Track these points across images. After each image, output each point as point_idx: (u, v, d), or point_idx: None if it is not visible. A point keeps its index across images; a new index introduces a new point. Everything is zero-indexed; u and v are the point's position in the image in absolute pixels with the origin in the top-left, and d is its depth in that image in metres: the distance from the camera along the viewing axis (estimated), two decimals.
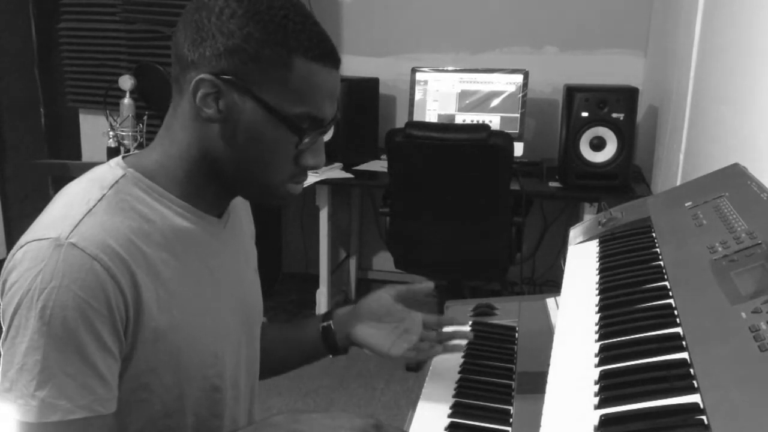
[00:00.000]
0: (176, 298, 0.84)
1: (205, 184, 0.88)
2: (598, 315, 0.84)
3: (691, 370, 0.65)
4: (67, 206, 0.80)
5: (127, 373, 0.81)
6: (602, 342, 0.77)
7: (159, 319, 0.81)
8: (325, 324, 1.11)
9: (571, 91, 2.70)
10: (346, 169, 3.00)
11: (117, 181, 0.83)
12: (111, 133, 2.80)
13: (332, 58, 0.84)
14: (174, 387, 0.85)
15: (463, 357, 1.16)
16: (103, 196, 0.81)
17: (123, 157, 0.88)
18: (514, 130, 3.02)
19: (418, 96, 3.21)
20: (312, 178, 2.80)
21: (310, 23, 0.82)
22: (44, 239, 0.76)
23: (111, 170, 0.85)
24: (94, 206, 0.79)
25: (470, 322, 1.30)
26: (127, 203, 0.82)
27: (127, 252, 0.78)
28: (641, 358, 0.71)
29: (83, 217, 0.78)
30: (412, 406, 1.02)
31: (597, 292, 0.92)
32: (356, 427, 0.82)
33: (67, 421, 0.74)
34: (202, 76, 0.80)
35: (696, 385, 0.63)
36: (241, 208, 1.03)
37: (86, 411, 0.75)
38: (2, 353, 0.76)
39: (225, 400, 0.94)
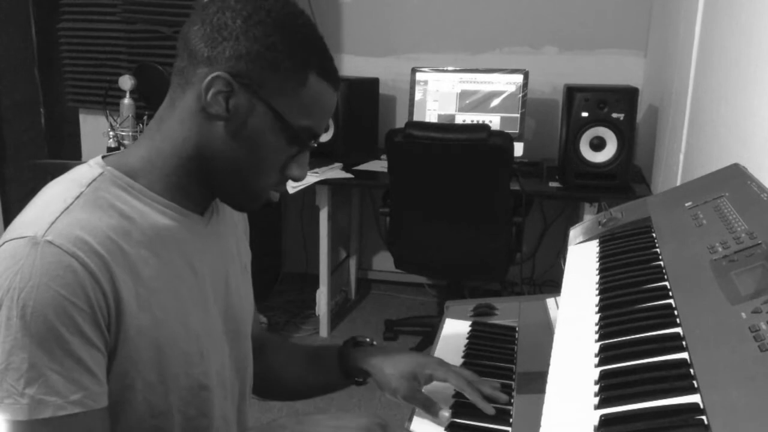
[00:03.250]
0: (157, 297, 0.83)
1: (191, 182, 0.88)
2: (598, 315, 0.84)
3: (691, 370, 0.65)
4: (45, 205, 0.80)
5: (112, 372, 0.80)
6: (602, 342, 0.77)
7: (140, 318, 0.81)
8: (348, 343, 1.14)
9: (571, 91, 2.70)
10: (346, 169, 3.00)
11: (95, 179, 0.83)
12: (111, 133, 2.80)
13: (338, 80, 0.89)
14: (158, 385, 0.85)
15: (463, 357, 1.16)
16: (81, 194, 0.81)
17: (103, 157, 0.88)
18: (514, 130, 3.02)
19: (418, 96, 3.21)
20: (312, 178, 2.80)
21: (324, 44, 0.87)
22: (21, 238, 0.76)
23: (90, 169, 0.85)
24: (71, 204, 0.79)
25: (470, 322, 1.30)
26: (105, 201, 0.82)
27: (105, 249, 0.78)
28: (641, 358, 0.71)
29: (59, 215, 0.78)
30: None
31: (597, 292, 0.92)
32: (361, 427, 0.83)
33: (59, 417, 0.74)
34: (218, 73, 0.81)
35: (696, 385, 0.63)
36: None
37: (78, 406, 0.75)
38: None
39: (213, 398, 0.93)
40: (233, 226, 1.04)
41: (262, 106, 0.83)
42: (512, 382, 1.06)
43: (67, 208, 0.79)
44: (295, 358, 1.17)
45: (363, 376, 1.09)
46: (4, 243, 0.77)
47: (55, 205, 0.79)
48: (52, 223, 0.76)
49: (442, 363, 1.03)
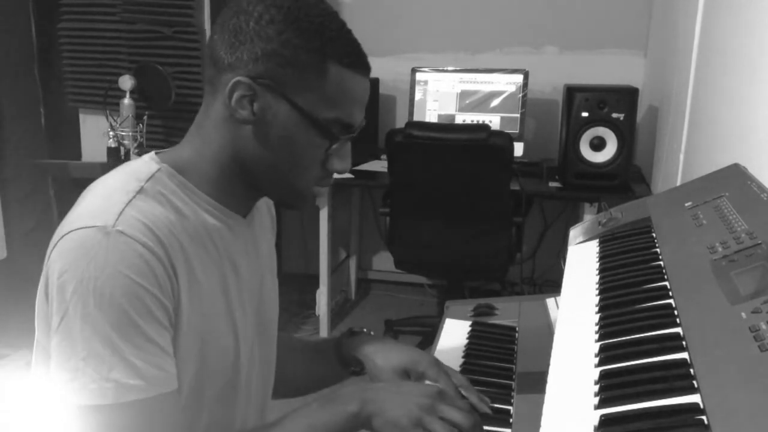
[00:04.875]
0: (205, 293, 0.86)
1: (235, 184, 0.89)
2: (598, 315, 0.84)
3: (691, 370, 0.65)
4: (107, 196, 0.81)
5: None
6: (602, 342, 0.77)
7: (191, 312, 0.83)
8: (345, 334, 1.13)
9: (571, 91, 2.70)
10: None
11: (153, 175, 0.85)
12: (111, 133, 2.80)
13: (364, 66, 0.87)
14: (195, 379, 0.86)
15: (463, 357, 1.16)
16: (141, 188, 0.82)
17: (156, 153, 0.90)
18: (514, 130, 3.02)
19: (418, 96, 3.21)
20: None
21: (344, 31, 0.85)
22: (89, 227, 0.76)
23: (146, 164, 0.87)
24: (133, 197, 0.81)
25: (470, 322, 1.30)
26: (163, 196, 0.84)
27: (168, 241, 0.80)
28: (641, 358, 0.71)
29: (125, 207, 0.79)
30: None
31: (597, 292, 0.92)
32: (422, 394, 0.85)
33: (143, 400, 0.75)
34: (239, 78, 0.82)
35: (696, 385, 0.63)
36: (264, 210, 1.05)
37: (160, 388, 0.77)
38: (56, 344, 0.76)
39: (238, 398, 0.95)
40: (267, 229, 1.06)
41: (286, 104, 0.83)
42: (512, 382, 1.06)
43: (131, 200, 0.80)
44: (298, 353, 1.17)
45: (358, 366, 1.09)
46: (69, 232, 0.77)
47: (118, 196, 0.80)
48: (120, 213, 0.78)
49: (436, 363, 1.01)
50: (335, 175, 0.92)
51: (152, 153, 0.90)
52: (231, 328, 0.91)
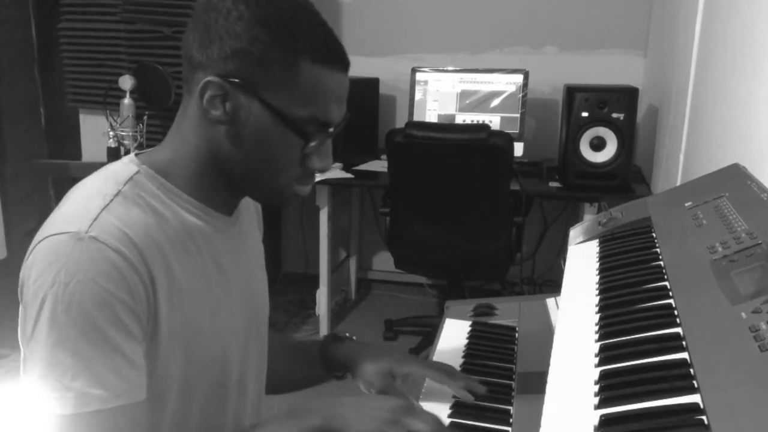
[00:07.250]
0: (188, 296, 0.85)
1: (216, 183, 0.88)
2: (598, 315, 0.84)
3: (691, 370, 0.65)
4: (84, 201, 0.80)
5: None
6: (602, 342, 0.77)
7: (171, 317, 0.82)
8: (328, 338, 1.13)
9: (571, 91, 2.70)
10: (346, 169, 3.00)
11: (131, 177, 0.84)
12: (111, 133, 2.80)
13: (340, 61, 0.84)
14: (183, 382, 0.86)
15: (463, 357, 1.16)
16: (119, 191, 0.81)
17: (136, 155, 0.89)
18: (514, 130, 3.02)
19: (418, 96, 3.21)
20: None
21: (317, 25, 0.83)
22: (63, 233, 0.76)
23: (125, 167, 0.86)
24: (110, 201, 0.80)
25: (470, 322, 1.30)
26: (142, 199, 0.83)
27: (145, 246, 0.79)
28: (641, 358, 0.71)
29: (101, 212, 0.78)
30: None
31: (597, 292, 0.92)
32: (390, 408, 0.84)
33: (104, 410, 0.74)
34: (209, 78, 0.81)
35: (696, 385, 0.63)
36: (251, 206, 1.04)
37: (123, 399, 0.75)
38: (26, 350, 0.76)
39: (230, 396, 0.94)
40: (254, 226, 1.05)
41: (258, 103, 0.81)
42: (512, 382, 1.06)
43: (107, 204, 0.79)
44: (282, 352, 1.16)
45: (342, 371, 1.10)
46: (45, 238, 0.77)
47: (95, 201, 0.79)
48: (95, 219, 0.77)
49: (420, 361, 1.03)
50: (319, 175, 0.91)
51: (132, 155, 0.88)
52: (218, 329, 0.90)
